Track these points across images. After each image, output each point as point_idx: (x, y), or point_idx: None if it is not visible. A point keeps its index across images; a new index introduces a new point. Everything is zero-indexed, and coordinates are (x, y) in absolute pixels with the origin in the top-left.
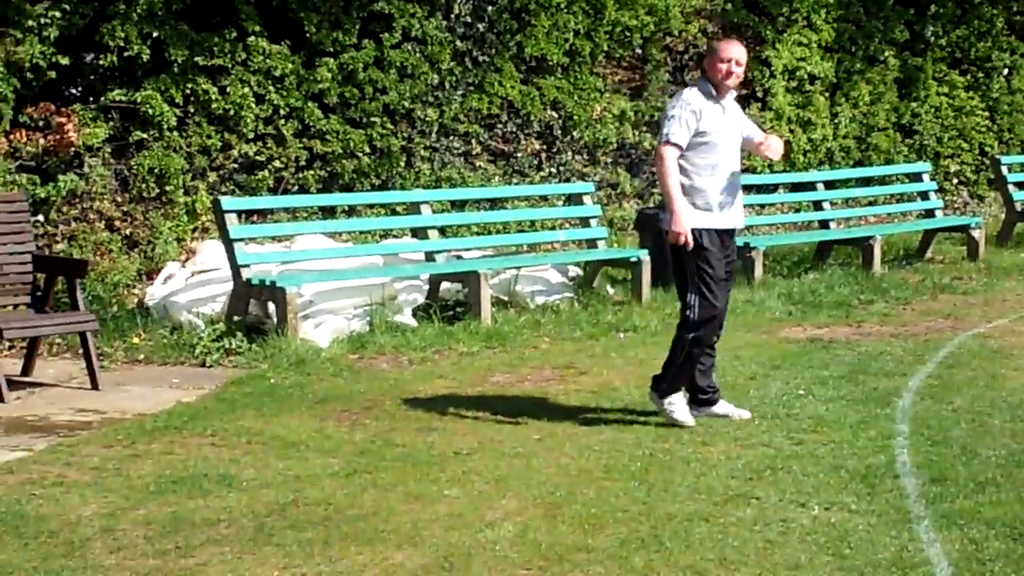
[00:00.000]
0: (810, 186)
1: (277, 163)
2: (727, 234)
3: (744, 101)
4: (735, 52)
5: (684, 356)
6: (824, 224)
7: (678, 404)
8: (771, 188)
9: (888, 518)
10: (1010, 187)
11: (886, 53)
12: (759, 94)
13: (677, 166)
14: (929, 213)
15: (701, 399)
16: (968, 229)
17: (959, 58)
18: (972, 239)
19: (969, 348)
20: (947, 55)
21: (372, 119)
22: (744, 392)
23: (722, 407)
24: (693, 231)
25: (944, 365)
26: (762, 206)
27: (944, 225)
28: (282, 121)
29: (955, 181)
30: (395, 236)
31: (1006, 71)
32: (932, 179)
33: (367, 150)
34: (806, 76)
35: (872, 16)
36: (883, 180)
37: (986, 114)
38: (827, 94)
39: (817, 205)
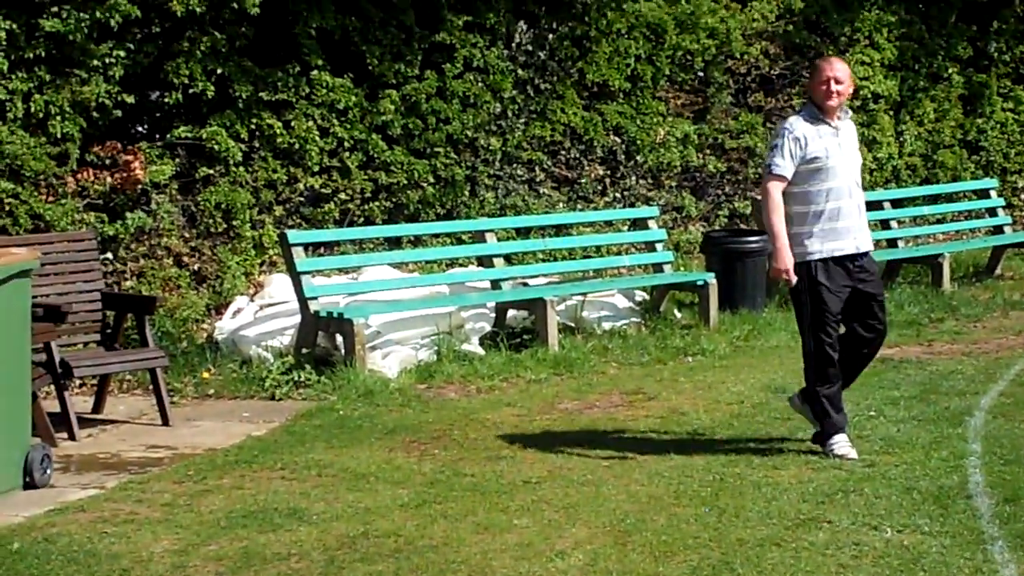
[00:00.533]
0: (877, 205)
1: (342, 195)
2: (854, 259)
3: None
4: (834, 70)
5: (821, 407)
6: (892, 243)
7: (839, 442)
8: None
9: (962, 539)
10: None
11: (950, 70)
12: None
13: (781, 199)
14: (998, 229)
15: None
16: None
17: (1022, 74)
18: None
19: None
20: (1011, 70)
21: (436, 149)
22: None
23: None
24: (808, 264)
25: (1016, 383)
26: None
27: (1013, 241)
28: (346, 153)
29: (1023, 196)
30: (461, 265)
31: None
32: (1000, 195)
33: (431, 180)
34: (870, 95)
35: (935, 33)
36: (950, 197)
37: None
38: (892, 112)
39: (885, 224)
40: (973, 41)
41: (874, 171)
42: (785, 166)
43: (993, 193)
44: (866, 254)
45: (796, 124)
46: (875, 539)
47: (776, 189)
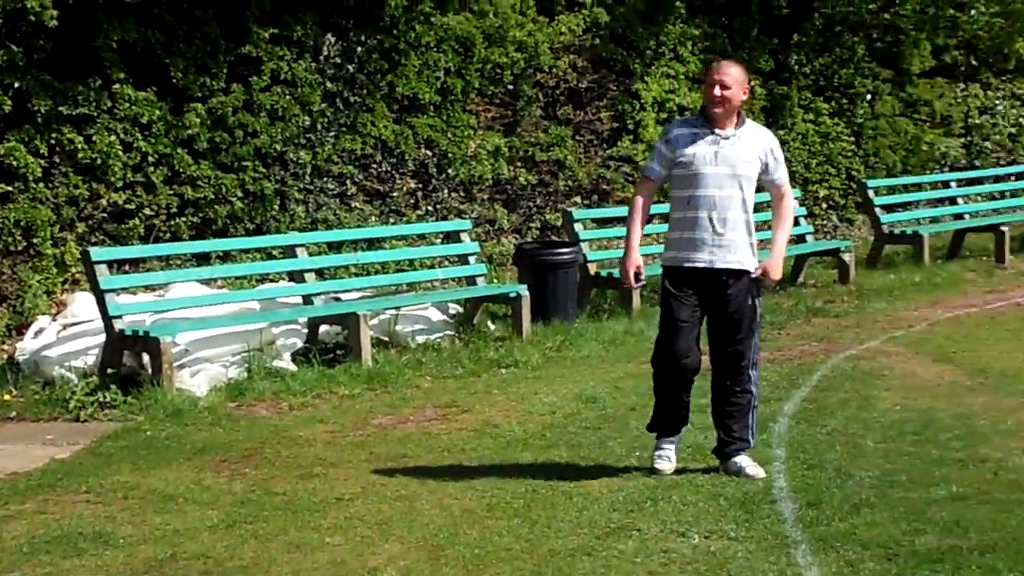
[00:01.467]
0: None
1: (147, 211)
2: (709, 274)
3: (617, 134)
4: (721, 73)
5: (655, 391)
6: None
7: (657, 452)
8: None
9: (766, 544)
10: (877, 210)
11: (752, 82)
12: (630, 126)
13: (642, 199)
14: (800, 238)
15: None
16: (838, 253)
17: (823, 85)
18: (843, 262)
19: (842, 370)
20: (811, 83)
21: (244, 163)
22: (625, 423)
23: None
24: (663, 268)
25: (818, 388)
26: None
27: (815, 249)
28: (151, 168)
29: (824, 206)
30: (271, 280)
31: (869, 97)
32: (802, 204)
33: (240, 194)
34: (675, 108)
35: (737, 47)
36: (756, 207)
37: (851, 139)
38: None
39: None
40: (775, 54)
41: None
42: (652, 167)
43: (796, 203)
44: (727, 272)
45: (673, 126)
46: (683, 546)
47: (641, 188)
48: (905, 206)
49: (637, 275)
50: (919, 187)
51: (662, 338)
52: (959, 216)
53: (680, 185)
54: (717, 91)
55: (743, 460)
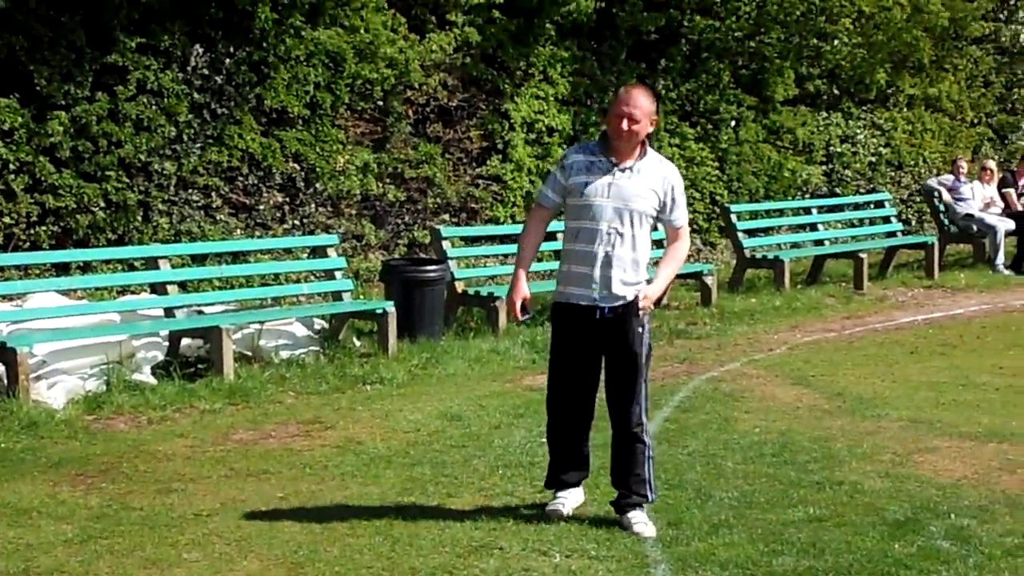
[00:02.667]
0: (551, 236)
1: (7, 219)
2: (586, 312)
3: (486, 153)
4: (630, 104)
5: (548, 438)
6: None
7: (554, 501)
8: (514, 238)
9: (627, 563)
10: (739, 234)
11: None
12: (499, 146)
13: (535, 226)
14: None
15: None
16: (701, 276)
17: (689, 111)
18: (705, 285)
19: (703, 392)
20: (678, 108)
21: (107, 173)
22: (489, 441)
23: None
24: (553, 303)
25: (680, 409)
26: (506, 256)
27: (678, 272)
28: (11, 176)
29: (688, 229)
30: (133, 292)
31: (733, 123)
32: None
33: (102, 204)
34: (544, 128)
35: (606, 71)
36: None
37: (716, 164)
38: (565, 146)
39: (558, 255)
40: (642, 79)
41: None
42: (545, 194)
43: (659, 226)
44: (612, 311)
45: (571, 152)
46: (544, 564)
47: (533, 215)
48: (767, 231)
49: (524, 307)
50: (781, 213)
51: (551, 380)
52: (819, 242)
53: (571, 215)
54: (624, 124)
55: (635, 516)
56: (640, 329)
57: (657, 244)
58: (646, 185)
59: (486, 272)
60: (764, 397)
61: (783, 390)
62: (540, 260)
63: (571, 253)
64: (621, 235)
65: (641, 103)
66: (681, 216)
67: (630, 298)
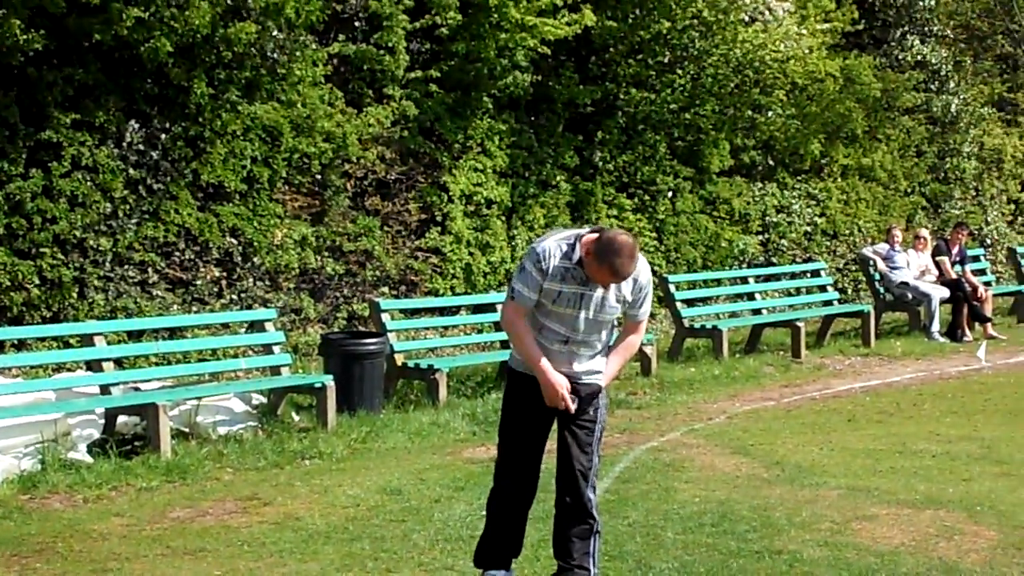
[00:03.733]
0: (490, 308)
1: None
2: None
3: (425, 225)
4: (608, 277)
5: (487, 510)
6: (506, 344)
7: None
8: (453, 310)
9: None
10: (678, 304)
11: (558, 178)
12: (438, 218)
13: (526, 324)
14: None
15: None
16: (641, 346)
17: (626, 182)
18: (644, 355)
19: (644, 462)
20: (615, 179)
21: (42, 249)
22: (429, 515)
23: None
24: (508, 369)
25: (620, 480)
26: (446, 328)
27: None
28: None
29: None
30: (69, 369)
31: (671, 194)
32: None
33: (36, 281)
34: (483, 200)
35: (543, 143)
36: None
37: (654, 235)
38: (504, 218)
39: (498, 326)
40: (579, 150)
41: (488, 274)
42: (526, 293)
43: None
44: (577, 388)
45: (548, 253)
46: None
47: (518, 314)
48: (705, 301)
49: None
50: (718, 283)
51: (502, 447)
52: (757, 311)
53: (540, 312)
54: (606, 283)
55: None
56: (595, 409)
57: None
58: (619, 295)
59: (426, 344)
60: (704, 467)
61: (723, 459)
62: (480, 331)
63: (536, 329)
64: (587, 343)
65: (628, 276)
66: (643, 313)
67: (593, 372)
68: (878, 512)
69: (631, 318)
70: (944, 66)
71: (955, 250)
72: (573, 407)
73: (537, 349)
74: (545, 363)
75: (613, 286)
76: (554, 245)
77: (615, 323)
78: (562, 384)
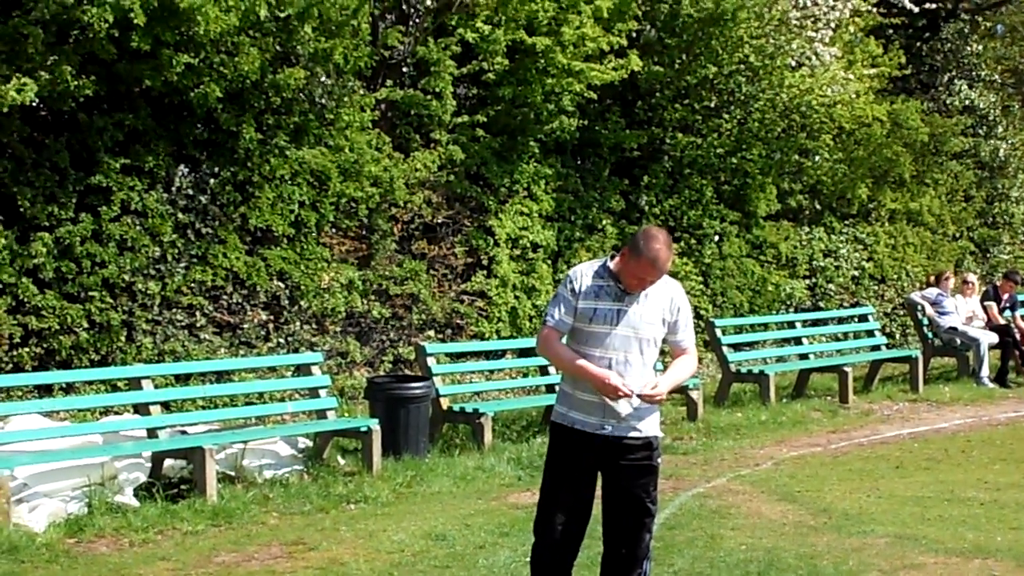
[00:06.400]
0: (535, 351)
1: None
2: (601, 440)
3: (471, 269)
4: (652, 273)
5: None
6: (551, 388)
7: None
8: (499, 354)
9: None
10: (724, 348)
11: (604, 222)
12: (484, 262)
13: (560, 344)
14: None
15: None
16: (687, 391)
17: (672, 226)
18: (691, 400)
19: (689, 508)
20: (661, 223)
21: (91, 293)
22: (474, 561)
23: None
24: (551, 423)
25: (666, 527)
26: (491, 372)
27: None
28: None
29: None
30: (116, 413)
31: (717, 237)
32: None
33: (85, 325)
34: (529, 244)
35: (589, 187)
36: None
37: (700, 279)
38: (550, 261)
39: (543, 370)
40: (625, 195)
41: (533, 318)
42: (558, 316)
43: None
44: (621, 441)
45: (579, 274)
46: None
47: (552, 338)
48: (752, 345)
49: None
50: (765, 327)
51: (543, 503)
52: (804, 356)
53: (577, 339)
54: (642, 285)
55: None
56: (658, 460)
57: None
58: (655, 310)
59: (471, 388)
60: (750, 513)
61: (769, 506)
62: (526, 375)
63: (577, 377)
64: (629, 363)
65: (666, 267)
66: (688, 338)
67: (643, 427)
68: (926, 561)
69: (676, 344)
70: (992, 111)
71: (1004, 296)
72: (630, 392)
73: (577, 355)
74: (585, 362)
75: (649, 301)
76: (587, 266)
77: (658, 347)
78: (609, 374)
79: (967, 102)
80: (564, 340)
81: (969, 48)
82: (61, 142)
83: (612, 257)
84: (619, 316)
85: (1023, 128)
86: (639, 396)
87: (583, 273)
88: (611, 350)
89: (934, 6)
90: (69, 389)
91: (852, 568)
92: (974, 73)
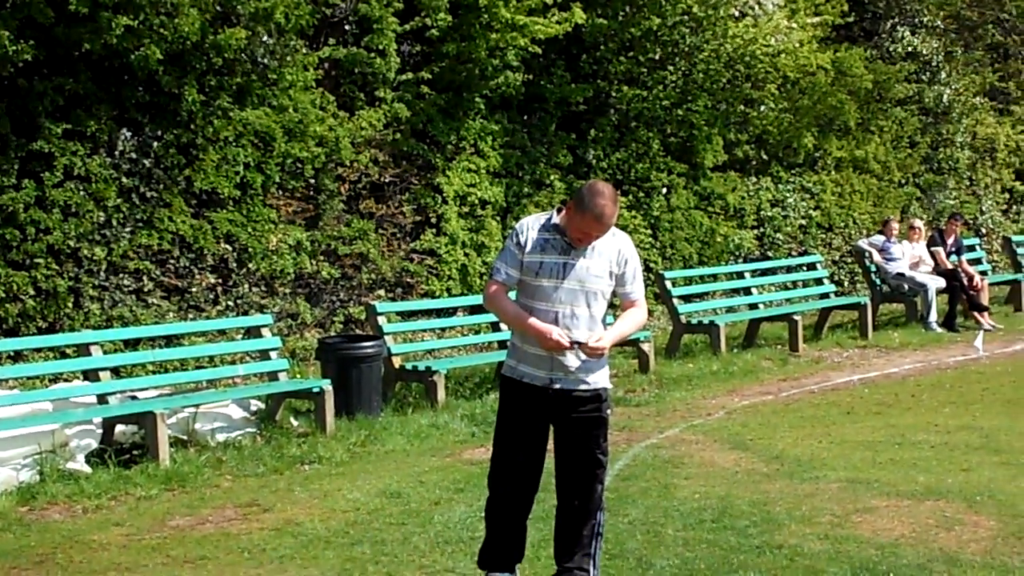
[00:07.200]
0: (486, 308)
1: None
2: (549, 392)
3: (420, 227)
4: (597, 228)
5: (486, 514)
6: (503, 344)
7: None
8: (450, 312)
9: None
10: (675, 300)
11: (552, 177)
12: (433, 220)
13: (505, 298)
14: None
15: None
16: (638, 343)
17: (620, 179)
18: (642, 352)
19: (643, 459)
20: (609, 176)
21: (36, 260)
22: (429, 518)
23: None
24: (501, 377)
25: (620, 478)
26: (443, 329)
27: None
28: None
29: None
30: (65, 380)
31: (665, 190)
32: None
33: (32, 292)
34: (477, 201)
35: (536, 142)
36: None
37: (649, 231)
38: (499, 218)
39: (495, 327)
40: (573, 149)
41: (483, 275)
42: (503, 269)
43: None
44: (575, 392)
45: (525, 227)
46: None
47: (498, 291)
48: (701, 297)
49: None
50: (715, 278)
51: (496, 456)
52: (754, 306)
53: (524, 293)
54: (587, 240)
55: None
56: (608, 411)
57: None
58: (602, 263)
59: (423, 346)
60: (703, 463)
61: (722, 455)
62: (477, 332)
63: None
64: (577, 316)
65: (611, 223)
66: (637, 290)
67: (590, 378)
68: (878, 504)
69: (625, 296)
70: (935, 57)
71: (950, 240)
72: (570, 344)
73: (521, 310)
74: (532, 319)
75: (596, 254)
76: (533, 219)
77: (607, 300)
78: (552, 328)
79: (910, 49)
80: (514, 294)
81: None
82: (1, 108)
83: (559, 211)
84: (565, 269)
85: (966, 74)
86: (582, 349)
87: (529, 226)
88: (558, 303)
89: None
90: (17, 357)
91: (805, 513)
92: (916, 20)
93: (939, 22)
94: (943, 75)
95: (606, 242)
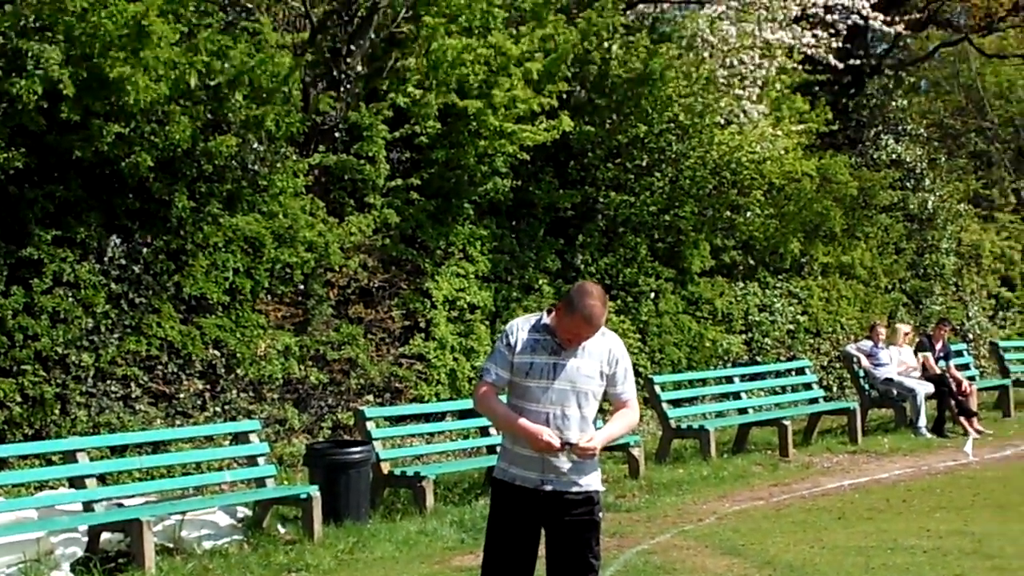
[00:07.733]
0: (476, 413)
1: None
2: (541, 495)
3: (409, 332)
4: (587, 330)
5: None
6: (493, 449)
7: None
8: (439, 416)
9: None
10: (664, 405)
11: (540, 281)
12: (422, 324)
13: (496, 401)
14: None
15: None
16: (628, 448)
17: (608, 283)
18: (632, 457)
19: (634, 565)
20: (597, 281)
21: (23, 367)
22: None
23: None
24: (493, 480)
25: None
26: (432, 434)
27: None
28: None
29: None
30: (51, 487)
31: (653, 295)
32: None
33: (19, 399)
34: (466, 306)
35: (525, 247)
36: None
37: (637, 336)
38: (488, 322)
39: (484, 431)
40: (561, 254)
41: (473, 379)
42: (493, 370)
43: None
44: (560, 496)
45: (516, 328)
46: None
47: (488, 393)
48: (691, 401)
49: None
50: (704, 382)
51: (487, 561)
52: (743, 411)
53: (515, 394)
54: (576, 341)
55: None
56: (600, 515)
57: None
58: (592, 363)
59: (412, 452)
60: (695, 568)
61: (713, 561)
62: (467, 437)
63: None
64: (568, 417)
65: (600, 323)
66: (628, 390)
67: (582, 481)
68: None
69: (616, 396)
70: (919, 164)
71: (938, 346)
72: (561, 445)
73: (511, 412)
74: (523, 420)
75: (587, 354)
76: (523, 320)
77: (598, 400)
78: (542, 429)
79: (894, 156)
80: (505, 396)
81: (894, 103)
82: None
83: (548, 312)
84: (556, 370)
85: (950, 181)
86: (573, 450)
87: (519, 327)
88: (548, 404)
89: (858, 63)
90: (3, 464)
91: None
92: (900, 128)
93: (922, 130)
94: (927, 182)
95: (596, 342)
